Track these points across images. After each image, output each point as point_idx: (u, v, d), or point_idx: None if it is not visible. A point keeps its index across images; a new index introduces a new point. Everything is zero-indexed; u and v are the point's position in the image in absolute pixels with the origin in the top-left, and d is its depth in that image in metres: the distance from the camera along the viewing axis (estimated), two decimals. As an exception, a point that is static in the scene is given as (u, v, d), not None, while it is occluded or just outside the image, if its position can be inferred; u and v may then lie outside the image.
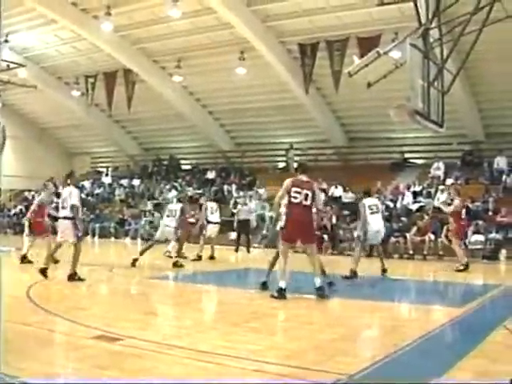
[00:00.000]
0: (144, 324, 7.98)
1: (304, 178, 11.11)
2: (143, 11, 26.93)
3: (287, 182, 11.10)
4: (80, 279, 12.13)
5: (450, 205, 17.95)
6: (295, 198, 10.86)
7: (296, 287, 11.13)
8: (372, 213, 14.78)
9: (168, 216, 16.99)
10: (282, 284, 10.62)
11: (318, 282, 10.71)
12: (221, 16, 25.91)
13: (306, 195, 10.82)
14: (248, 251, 23.33)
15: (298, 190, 10.87)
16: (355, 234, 23.75)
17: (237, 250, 23.37)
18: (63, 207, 12.58)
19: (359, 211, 15.12)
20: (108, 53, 30.34)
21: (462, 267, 16.87)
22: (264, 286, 11.59)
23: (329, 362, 6.18)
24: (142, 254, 16.37)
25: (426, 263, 20.65)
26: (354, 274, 14.25)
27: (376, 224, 14.88)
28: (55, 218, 14.39)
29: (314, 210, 11.18)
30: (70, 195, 12.49)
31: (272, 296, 10.58)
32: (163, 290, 12.58)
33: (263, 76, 29.42)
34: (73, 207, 12.33)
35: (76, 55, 32.38)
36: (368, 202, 15.01)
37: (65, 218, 12.49)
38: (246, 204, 25.30)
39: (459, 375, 5.71)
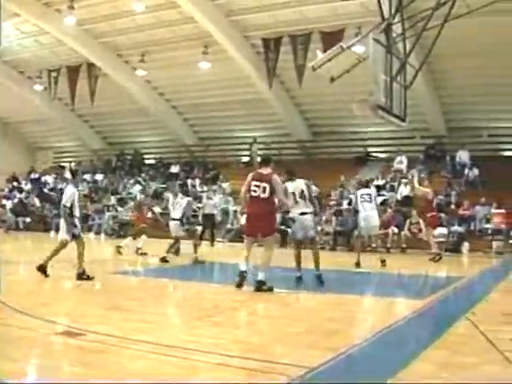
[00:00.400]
0: (107, 319, 7.90)
1: (265, 170, 11.13)
2: (106, 5, 26.73)
3: (249, 176, 11.20)
4: (88, 278, 12.03)
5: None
6: (254, 191, 10.91)
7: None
8: (363, 201, 15.70)
9: (174, 209, 17.27)
10: (243, 267, 10.80)
11: (260, 275, 10.71)
12: (184, 10, 25.83)
13: (264, 188, 10.84)
14: (212, 245, 23.36)
15: (257, 183, 10.91)
16: (318, 228, 23.95)
17: (200, 244, 23.39)
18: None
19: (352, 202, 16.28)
20: (71, 47, 30.05)
21: (438, 257, 17.28)
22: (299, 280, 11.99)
23: (293, 355, 6.19)
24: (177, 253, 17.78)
25: (390, 256, 20.78)
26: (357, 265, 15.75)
27: (365, 210, 15.70)
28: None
29: (276, 201, 11.24)
30: (65, 194, 12.40)
31: (236, 286, 10.68)
32: (127, 285, 12.48)
33: (227, 70, 29.35)
34: (64, 207, 12.23)
35: (39, 49, 31.95)
36: (361, 191, 16.04)
37: (60, 216, 12.47)
38: (211, 198, 25.30)
39: (423, 366, 5.76)
